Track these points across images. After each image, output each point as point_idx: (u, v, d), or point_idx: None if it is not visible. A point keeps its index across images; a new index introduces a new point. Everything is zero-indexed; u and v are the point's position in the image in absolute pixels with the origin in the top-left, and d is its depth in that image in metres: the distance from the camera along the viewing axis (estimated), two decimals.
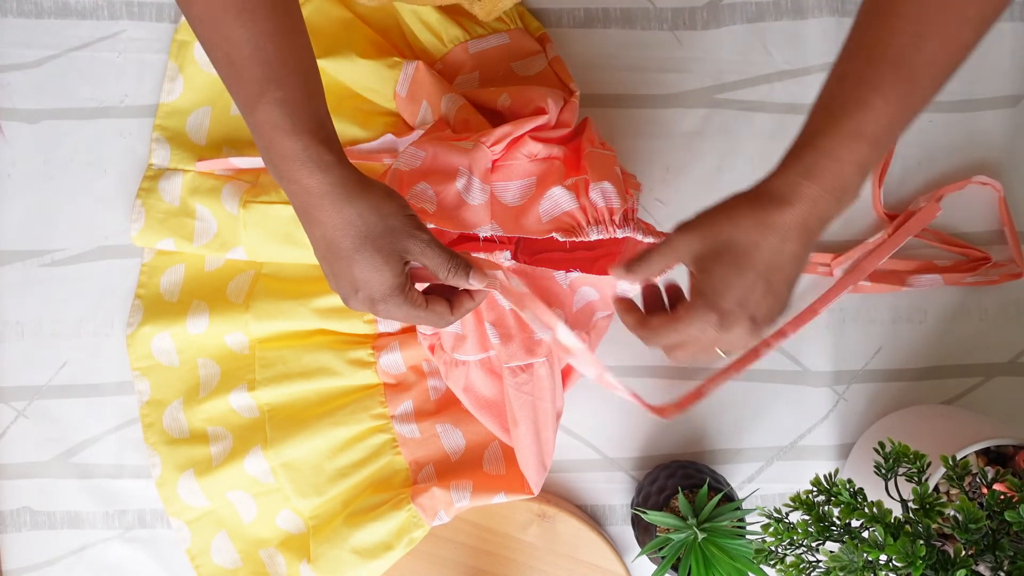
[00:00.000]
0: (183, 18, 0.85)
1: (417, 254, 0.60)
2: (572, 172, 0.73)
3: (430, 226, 0.63)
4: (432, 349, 0.78)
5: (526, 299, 0.68)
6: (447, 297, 0.64)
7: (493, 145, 0.71)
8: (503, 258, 0.70)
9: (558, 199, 0.69)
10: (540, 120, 0.74)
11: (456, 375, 0.77)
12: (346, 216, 0.57)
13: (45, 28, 0.85)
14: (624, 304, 0.63)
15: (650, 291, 0.64)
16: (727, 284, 0.55)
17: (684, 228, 0.57)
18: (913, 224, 0.83)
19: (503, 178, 0.72)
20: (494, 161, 0.72)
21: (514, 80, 0.82)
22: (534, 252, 0.79)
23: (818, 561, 0.60)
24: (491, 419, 0.79)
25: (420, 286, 0.64)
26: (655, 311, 0.62)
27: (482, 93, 0.79)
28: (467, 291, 0.64)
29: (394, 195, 0.60)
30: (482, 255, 0.69)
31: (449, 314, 0.63)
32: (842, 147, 0.52)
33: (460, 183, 0.69)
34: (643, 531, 0.80)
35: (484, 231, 0.69)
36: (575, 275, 0.75)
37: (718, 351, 0.59)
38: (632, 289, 0.67)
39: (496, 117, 0.78)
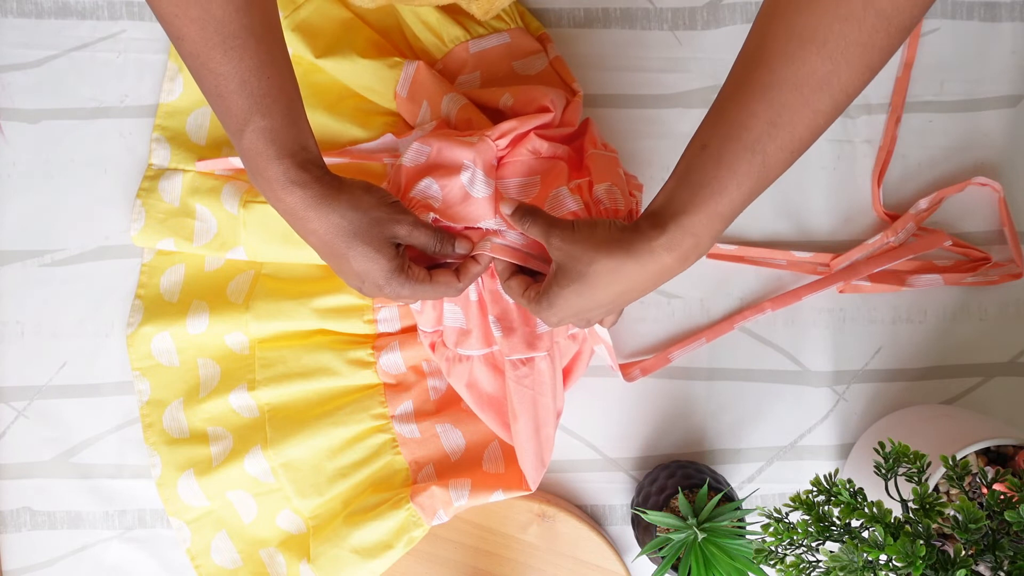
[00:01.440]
0: None
1: (404, 236, 0.65)
2: (575, 173, 0.73)
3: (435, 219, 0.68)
4: (433, 347, 0.78)
5: (530, 249, 0.70)
6: (455, 268, 0.69)
7: (498, 139, 0.72)
8: None
9: (563, 199, 0.70)
10: (545, 118, 0.74)
11: (459, 371, 0.77)
12: (331, 220, 0.62)
13: (45, 28, 0.85)
14: (509, 267, 0.69)
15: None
16: (569, 302, 0.63)
17: (564, 236, 0.62)
18: (917, 246, 0.84)
19: (508, 175, 0.72)
20: (500, 157, 0.73)
21: (516, 80, 0.82)
22: None
23: (818, 561, 0.60)
24: (493, 417, 0.79)
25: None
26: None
27: (484, 93, 0.79)
28: (473, 257, 0.69)
29: (371, 189, 0.64)
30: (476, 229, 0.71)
31: (456, 282, 0.68)
32: (701, 225, 0.57)
33: (465, 176, 0.70)
34: (643, 531, 0.80)
35: (488, 224, 0.70)
36: None
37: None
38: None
39: (499, 117, 0.78)
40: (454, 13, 0.83)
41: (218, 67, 0.57)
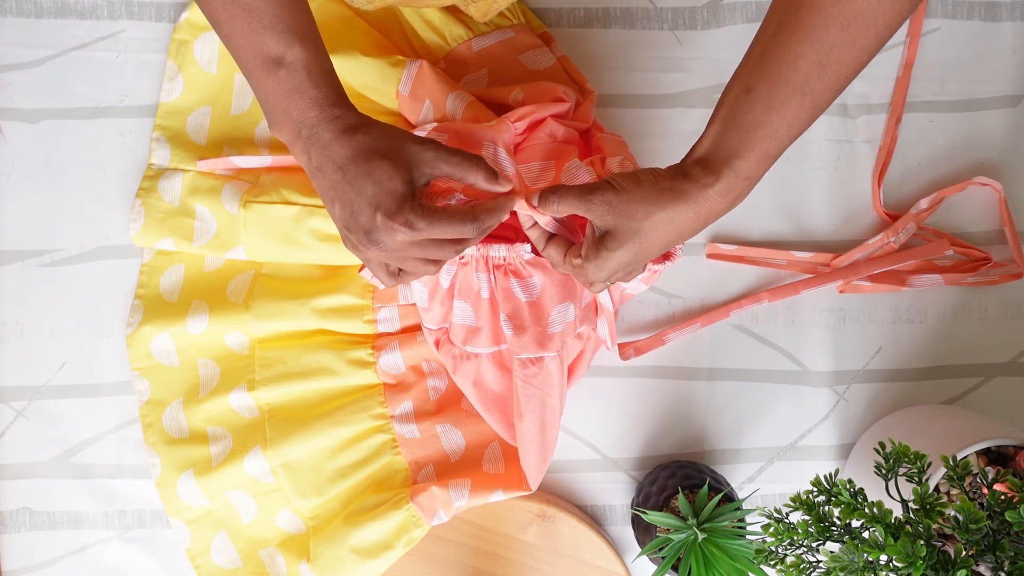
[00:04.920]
0: (183, 17, 0.85)
1: (430, 161, 0.60)
2: (585, 156, 0.74)
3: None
4: (438, 344, 0.77)
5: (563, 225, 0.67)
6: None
7: (516, 121, 0.72)
8: (523, 251, 0.69)
9: (576, 170, 0.70)
10: (561, 107, 0.74)
11: (466, 368, 0.77)
12: (359, 141, 0.59)
13: (45, 28, 0.85)
14: (544, 234, 0.66)
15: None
16: (621, 262, 0.62)
17: (607, 198, 0.60)
18: (918, 252, 0.84)
19: (525, 159, 0.72)
20: (517, 144, 0.72)
21: (525, 75, 0.82)
22: None
23: (818, 561, 0.60)
24: (497, 416, 0.78)
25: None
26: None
27: (492, 90, 0.79)
28: (506, 194, 0.63)
29: (400, 128, 0.62)
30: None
31: (474, 220, 0.61)
32: (752, 168, 0.58)
33: (487, 154, 0.69)
34: (643, 531, 0.80)
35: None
36: None
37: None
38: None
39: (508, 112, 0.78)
40: (456, 12, 0.83)
41: (252, 2, 0.57)
